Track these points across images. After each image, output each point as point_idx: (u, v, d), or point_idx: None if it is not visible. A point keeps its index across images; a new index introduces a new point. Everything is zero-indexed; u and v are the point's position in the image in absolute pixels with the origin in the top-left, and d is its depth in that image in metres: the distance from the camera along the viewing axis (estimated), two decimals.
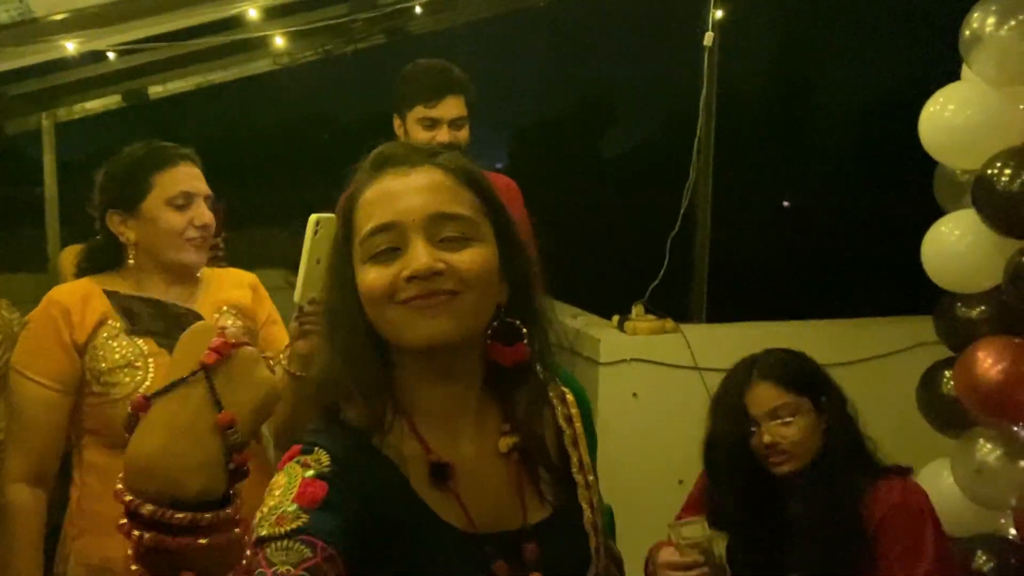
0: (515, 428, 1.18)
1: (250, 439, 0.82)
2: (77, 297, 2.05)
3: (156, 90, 4.93)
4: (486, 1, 4.66)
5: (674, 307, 3.88)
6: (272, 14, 3.97)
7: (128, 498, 0.78)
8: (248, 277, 2.34)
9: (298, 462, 1.04)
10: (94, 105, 4.99)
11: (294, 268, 1.76)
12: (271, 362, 2.28)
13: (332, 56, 4.62)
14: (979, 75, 2.79)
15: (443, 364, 1.12)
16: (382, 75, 3.07)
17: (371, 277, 1.09)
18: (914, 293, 3.23)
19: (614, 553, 1.39)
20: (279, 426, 1.98)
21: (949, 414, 2.93)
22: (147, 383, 2.03)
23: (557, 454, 1.22)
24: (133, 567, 0.79)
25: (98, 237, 2.18)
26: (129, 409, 0.80)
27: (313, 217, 1.67)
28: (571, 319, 3.94)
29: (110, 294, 2.07)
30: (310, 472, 1.03)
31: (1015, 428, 2.80)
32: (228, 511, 0.80)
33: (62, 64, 3.94)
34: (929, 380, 3.04)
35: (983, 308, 2.87)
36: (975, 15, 2.72)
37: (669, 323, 3.73)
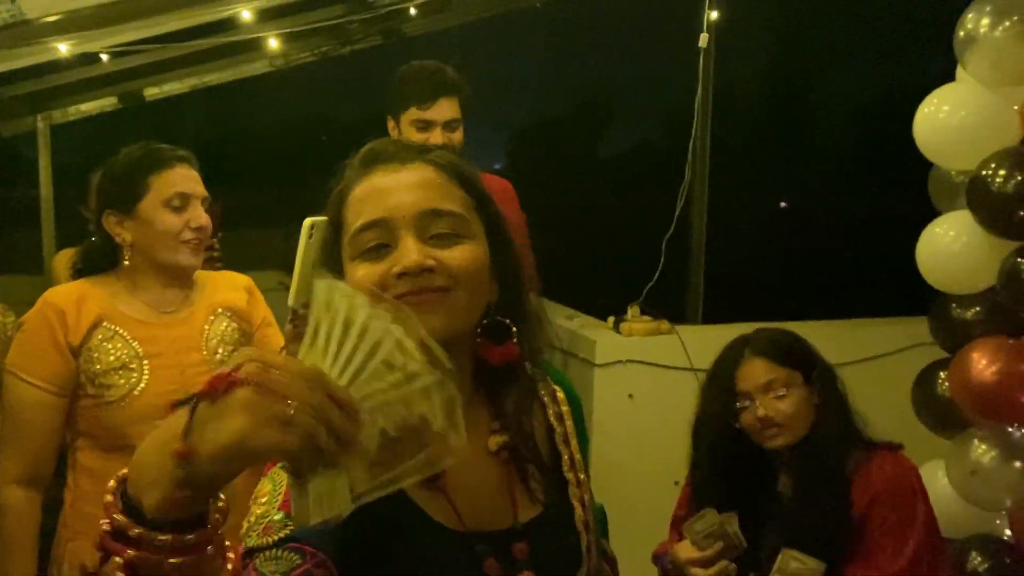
0: (505, 427, 1.17)
1: (207, 481, 0.76)
2: (72, 299, 2.05)
3: (152, 92, 4.92)
4: (480, 2, 4.66)
5: (670, 308, 3.88)
6: (268, 16, 3.96)
7: (119, 517, 0.78)
8: (243, 280, 2.34)
9: (283, 467, 1.00)
10: (89, 107, 4.98)
11: (289, 269, 1.76)
12: None
13: (328, 57, 4.62)
14: (974, 76, 2.79)
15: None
16: (378, 76, 3.07)
17: (360, 274, 1.08)
18: (909, 294, 3.23)
19: (606, 552, 1.39)
20: None
21: (944, 415, 2.93)
22: (141, 385, 2.03)
23: (548, 452, 1.22)
24: None
25: (93, 239, 2.18)
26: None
27: (308, 221, 1.66)
28: (567, 320, 3.94)
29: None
30: None
31: (1010, 429, 2.80)
32: (206, 532, 0.79)
33: (57, 66, 3.94)
34: (924, 381, 3.04)
35: (978, 309, 2.88)
36: (969, 16, 2.72)
37: (665, 324, 3.73)
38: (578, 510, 1.20)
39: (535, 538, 1.13)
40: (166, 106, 5.19)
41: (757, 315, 4.20)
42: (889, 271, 4.97)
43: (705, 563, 2.01)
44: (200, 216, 2.12)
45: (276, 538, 0.95)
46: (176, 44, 3.85)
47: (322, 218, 1.66)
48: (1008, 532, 2.85)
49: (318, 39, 4.46)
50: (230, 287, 2.29)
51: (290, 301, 1.78)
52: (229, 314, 2.23)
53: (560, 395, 1.28)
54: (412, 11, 4.19)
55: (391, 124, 2.90)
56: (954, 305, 2.94)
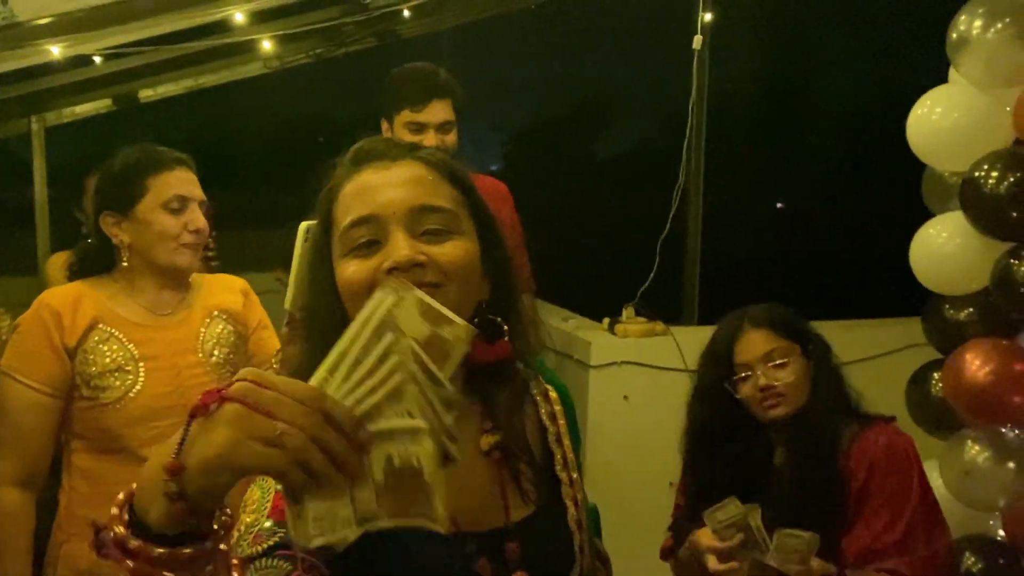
0: (497, 426, 1.17)
1: (199, 494, 0.77)
2: (68, 301, 2.05)
3: (146, 94, 4.91)
4: (475, 4, 4.65)
5: (665, 309, 3.89)
6: (262, 17, 3.96)
7: (120, 530, 0.78)
8: (239, 283, 2.34)
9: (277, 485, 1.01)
10: (84, 109, 4.97)
11: (287, 267, 1.76)
12: (263, 367, 2.29)
13: (323, 59, 4.62)
14: (966, 78, 2.80)
15: None
16: (373, 78, 3.07)
17: (351, 270, 1.07)
18: (903, 295, 3.24)
19: (600, 551, 1.39)
20: None
21: (938, 416, 2.94)
22: (137, 387, 2.03)
23: (540, 452, 1.22)
24: None
25: (90, 240, 2.18)
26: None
27: (304, 224, 1.67)
28: (562, 322, 3.95)
29: None
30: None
31: (1003, 430, 2.81)
32: (204, 546, 0.80)
33: (51, 68, 3.93)
34: (918, 382, 3.05)
35: (971, 310, 2.89)
36: (962, 18, 2.73)
37: (659, 325, 3.73)
38: (571, 510, 1.20)
39: (527, 538, 1.13)
40: (160, 108, 5.18)
41: None
42: (883, 272, 4.98)
43: (723, 555, 2.01)
44: (198, 219, 2.12)
45: (266, 546, 0.94)
46: (169, 46, 3.84)
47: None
48: (1002, 533, 2.86)
49: (312, 41, 4.45)
50: (226, 290, 2.29)
51: (287, 304, 1.78)
52: (225, 317, 2.23)
53: (552, 394, 1.28)
54: (406, 13, 4.18)
55: (385, 126, 2.90)
56: (947, 306, 2.95)
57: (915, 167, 3.04)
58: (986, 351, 2.73)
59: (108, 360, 2.03)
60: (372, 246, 1.07)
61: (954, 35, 2.75)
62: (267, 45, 4.18)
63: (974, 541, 2.85)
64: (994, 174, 2.63)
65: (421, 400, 0.81)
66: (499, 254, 1.17)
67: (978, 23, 2.68)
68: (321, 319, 1.11)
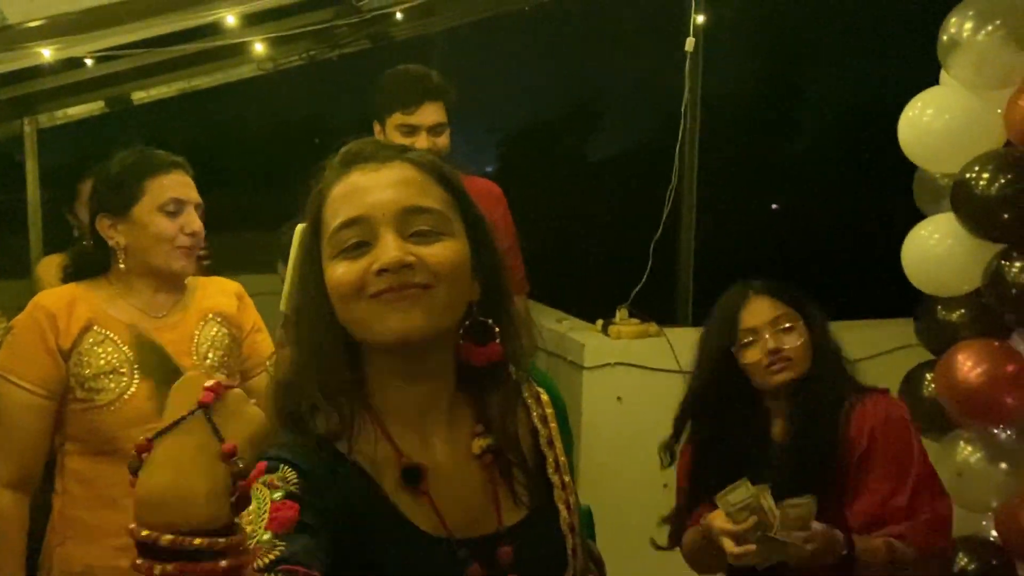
0: (488, 429, 1.16)
1: (250, 469, 0.83)
2: (63, 302, 2.05)
3: (140, 96, 4.91)
4: (467, 7, 4.65)
5: (658, 311, 3.89)
6: (255, 19, 3.95)
7: (145, 532, 0.77)
8: (233, 286, 2.34)
9: (264, 483, 1.00)
10: (77, 111, 4.96)
11: (284, 262, 1.77)
12: (258, 370, 2.30)
13: (316, 61, 4.61)
14: (957, 79, 2.81)
15: (414, 363, 1.11)
16: (366, 80, 3.07)
17: (340, 272, 1.07)
18: (895, 296, 3.25)
19: (593, 553, 1.38)
20: None
21: (930, 417, 2.94)
22: (132, 390, 2.03)
23: (532, 455, 1.21)
24: None
25: (84, 242, 2.18)
26: (133, 452, 0.81)
27: (299, 227, 1.67)
28: (555, 323, 3.95)
29: None
30: (278, 494, 0.99)
31: (996, 430, 2.82)
32: (238, 537, 0.80)
33: (43, 70, 3.92)
34: (910, 383, 3.06)
35: (963, 311, 2.90)
36: (953, 20, 2.74)
37: (653, 327, 3.74)
38: (563, 513, 1.20)
39: (520, 542, 1.13)
40: (153, 110, 5.17)
41: None
42: (875, 273, 4.99)
43: (737, 537, 1.99)
44: (194, 222, 2.12)
45: (266, 561, 0.93)
46: (162, 48, 3.84)
47: None
48: (995, 533, 2.87)
49: (306, 43, 4.45)
50: (221, 293, 2.29)
51: (282, 306, 1.79)
52: (220, 319, 2.23)
53: (544, 397, 1.27)
54: (399, 15, 4.18)
55: (377, 128, 2.90)
56: (940, 307, 2.96)
57: (907, 168, 3.06)
58: (978, 352, 2.74)
59: (103, 362, 2.03)
60: (361, 247, 1.07)
61: (945, 37, 2.76)
62: (260, 47, 4.18)
63: (967, 542, 2.87)
64: (985, 175, 2.65)
65: None
66: (489, 255, 1.16)
67: (969, 25, 2.69)
68: (310, 321, 1.11)
